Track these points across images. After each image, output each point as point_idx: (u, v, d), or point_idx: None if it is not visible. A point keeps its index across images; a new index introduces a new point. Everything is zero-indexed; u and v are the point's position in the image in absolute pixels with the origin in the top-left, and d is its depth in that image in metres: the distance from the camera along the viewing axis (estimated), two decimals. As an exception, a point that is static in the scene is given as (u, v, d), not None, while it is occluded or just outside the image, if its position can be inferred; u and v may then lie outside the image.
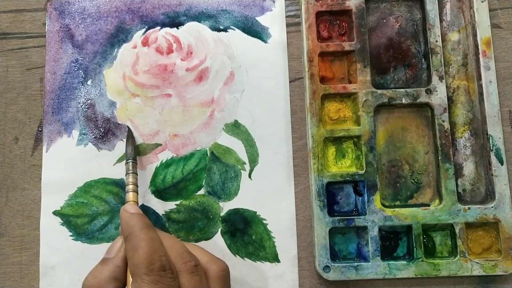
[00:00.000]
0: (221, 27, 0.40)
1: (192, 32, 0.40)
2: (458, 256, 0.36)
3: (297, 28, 0.40)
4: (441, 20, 0.39)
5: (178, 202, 0.38)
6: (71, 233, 0.38)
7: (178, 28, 0.40)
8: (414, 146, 0.39)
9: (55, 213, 0.38)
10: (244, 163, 0.39)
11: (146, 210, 0.38)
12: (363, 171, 0.37)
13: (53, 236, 0.38)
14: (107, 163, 0.39)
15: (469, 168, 0.38)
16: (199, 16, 0.41)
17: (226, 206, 0.38)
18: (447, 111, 0.38)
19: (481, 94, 0.38)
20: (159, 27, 0.41)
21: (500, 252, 0.36)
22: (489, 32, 0.38)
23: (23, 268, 0.38)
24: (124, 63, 0.40)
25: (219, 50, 0.40)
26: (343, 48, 0.38)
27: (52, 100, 0.40)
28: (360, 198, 0.38)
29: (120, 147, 0.39)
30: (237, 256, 0.38)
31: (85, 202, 0.38)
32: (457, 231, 0.36)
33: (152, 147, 0.39)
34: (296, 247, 0.38)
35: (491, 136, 0.37)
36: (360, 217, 0.37)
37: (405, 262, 0.36)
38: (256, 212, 0.38)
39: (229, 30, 0.40)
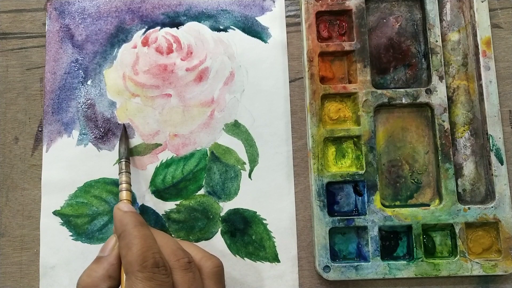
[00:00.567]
0: (221, 27, 0.40)
1: (192, 32, 0.40)
2: (458, 256, 0.36)
3: (297, 28, 0.40)
4: (441, 20, 0.39)
5: (178, 202, 0.38)
6: (71, 233, 0.38)
7: (178, 28, 0.40)
8: (414, 146, 0.39)
9: (55, 213, 0.38)
10: (244, 163, 0.39)
11: (146, 210, 0.38)
12: (363, 171, 0.37)
13: (53, 236, 0.38)
14: (107, 163, 0.39)
15: (469, 168, 0.38)
16: (199, 16, 0.41)
17: (226, 206, 0.38)
18: (447, 111, 0.38)
19: (481, 94, 0.38)
20: (159, 27, 0.41)
21: (500, 252, 0.36)
22: (489, 32, 0.38)
23: (23, 268, 0.38)
24: (124, 63, 0.40)
25: (219, 50, 0.40)
26: (343, 48, 0.38)
27: (52, 100, 0.40)
28: (360, 198, 0.38)
29: (120, 147, 0.39)
30: (237, 256, 0.38)
31: (85, 202, 0.38)
32: (457, 231, 0.36)
33: (152, 147, 0.39)
34: (296, 247, 0.38)
35: (491, 136, 0.37)
36: (360, 217, 0.37)
37: (405, 262, 0.36)
38: (256, 212, 0.38)
39: (229, 30, 0.40)
